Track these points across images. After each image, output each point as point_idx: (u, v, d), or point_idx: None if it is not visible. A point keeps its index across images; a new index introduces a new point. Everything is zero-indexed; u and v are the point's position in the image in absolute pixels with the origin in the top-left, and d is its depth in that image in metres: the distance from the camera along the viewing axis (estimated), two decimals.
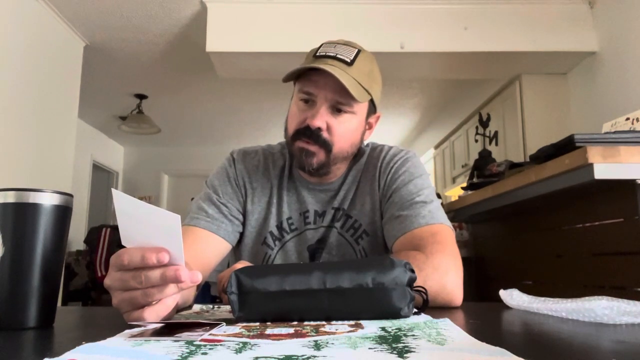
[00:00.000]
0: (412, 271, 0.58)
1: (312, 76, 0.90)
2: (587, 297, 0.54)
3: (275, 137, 5.17)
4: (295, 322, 0.54)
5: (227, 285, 0.57)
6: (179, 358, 0.35)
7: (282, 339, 0.43)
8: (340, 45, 0.92)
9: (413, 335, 0.44)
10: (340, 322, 0.53)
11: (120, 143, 6.56)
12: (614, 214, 1.51)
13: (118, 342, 0.42)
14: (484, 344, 0.39)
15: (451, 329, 0.47)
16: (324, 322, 0.54)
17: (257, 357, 0.35)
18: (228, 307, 0.74)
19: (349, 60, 0.89)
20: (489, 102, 4.07)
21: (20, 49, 2.82)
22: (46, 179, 3.05)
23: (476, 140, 4.25)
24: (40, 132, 3.03)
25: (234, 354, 0.36)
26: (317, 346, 0.39)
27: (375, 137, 1.03)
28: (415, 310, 0.60)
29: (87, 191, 5.55)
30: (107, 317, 0.69)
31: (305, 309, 0.56)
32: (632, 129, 1.72)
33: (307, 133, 0.90)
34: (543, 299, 0.61)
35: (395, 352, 0.36)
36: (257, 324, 0.54)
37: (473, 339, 0.41)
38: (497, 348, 0.36)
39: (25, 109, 2.88)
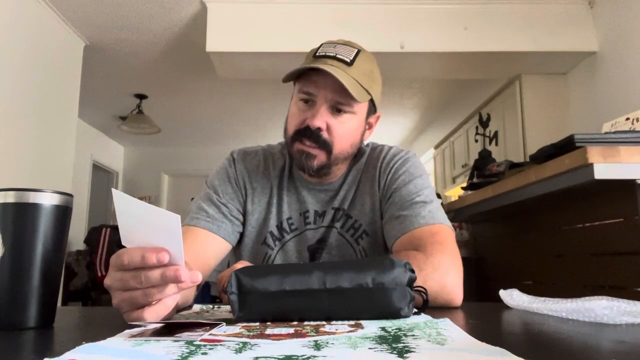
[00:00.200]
0: (412, 271, 0.58)
1: (312, 76, 0.90)
2: (587, 297, 0.54)
3: (275, 137, 5.16)
4: (295, 322, 0.54)
5: (227, 285, 0.57)
6: (179, 358, 0.35)
7: (282, 339, 0.43)
8: (340, 45, 0.92)
9: (413, 335, 0.44)
10: (340, 322, 0.53)
11: (120, 143, 6.57)
12: (614, 214, 1.51)
13: (118, 342, 0.42)
14: (484, 344, 0.39)
15: (451, 329, 0.47)
16: (324, 322, 0.54)
17: (257, 357, 0.35)
18: (228, 307, 0.74)
19: (348, 60, 0.89)
20: (489, 102, 4.07)
21: (20, 49, 2.82)
22: (46, 179, 3.05)
23: (476, 140, 4.25)
24: (40, 132, 3.03)
25: (234, 354, 0.36)
26: (317, 346, 0.39)
27: (375, 137, 1.03)
28: (415, 310, 0.60)
29: (87, 191, 5.55)
30: (107, 317, 0.69)
31: (305, 309, 0.56)
32: (632, 129, 1.72)
33: (307, 133, 0.90)
34: (543, 299, 0.61)
35: (395, 352, 0.36)
36: (257, 324, 0.54)
37: (473, 339, 0.41)
38: (497, 348, 0.36)
39: (25, 109, 2.88)
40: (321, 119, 0.89)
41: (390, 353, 0.36)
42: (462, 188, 2.76)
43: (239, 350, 0.38)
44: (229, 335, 0.45)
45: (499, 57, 3.18)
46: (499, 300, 0.68)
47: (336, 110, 0.90)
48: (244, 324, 0.54)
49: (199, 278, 0.51)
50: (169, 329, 0.49)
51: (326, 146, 0.91)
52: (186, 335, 0.44)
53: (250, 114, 5.29)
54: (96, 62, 3.81)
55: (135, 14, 3.16)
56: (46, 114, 3.10)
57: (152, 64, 3.95)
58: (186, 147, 6.66)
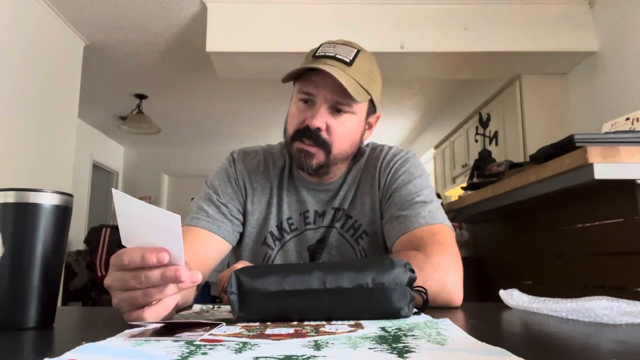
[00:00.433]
0: (412, 271, 0.58)
1: (311, 76, 0.90)
2: (587, 297, 0.54)
3: (275, 137, 5.16)
4: (295, 322, 0.54)
5: (227, 285, 0.57)
6: (179, 358, 0.35)
7: (282, 339, 0.43)
8: (340, 45, 0.92)
9: (413, 335, 0.44)
10: (340, 322, 0.54)
11: (120, 143, 6.57)
12: (614, 214, 1.51)
13: (118, 342, 0.42)
14: (484, 344, 0.39)
15: (451, 329, 0.47)
16: (324, 322, 0.54)
17: (257, 357, 0.35)
18: (228, 307, 0.74)
19: (348, 60, 0.89)
20: (489, 102, 4.07)
21: (20, 49, 2.82)
22: (46, 179, 3.05)
23: (476, 140, 4.25)
24: (40, 132, 3.03)
25: (234, 354, 0.36)
26: (317, 346, 0.39)
27: (375, 137, 1.03)
28: (415, 310, 0.60)
29: (87, 191, 5.55)
30: (107, 317, 0.69)
31: (305, 309, 0.56)
32: (632, 129, 1.72)
33: (307, 133, 0.90)
34: (543, 299, 0.61)
35: (395, 352, 0.36)
36: (257, 324, 0.54)
37: (473, 339, 0.41)
38: (497, 348, 0.36)
39: (25, 109, 2.88)
40: (321, 119, 0.89)
41: (390, 353, 0.36)
42: (462, 188, 2.76)
43: (239, 350, 0.38)
44: (229, 335, 0.45)
45: (499, 57, 3.18)
46: (499, 300, 0.68)
47: (336, 110, 0.90)
48: (244, 324, 0.54)
49: (199, 278, 0.51)
50: (169, 329, 0.49)
51: (325, 146, 0.91)
52: (186, 335, 0.44)
53: (250, 114, 5.29)
54: (96, 62, 3.81)
55: (135, 14, 3.16)
56: (46, 114, 3.10)
57: (152, 64, 3.95)
58: (186, 147, 6.66)
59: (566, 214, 1.79)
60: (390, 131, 5.96)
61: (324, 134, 0.90)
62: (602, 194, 1.56)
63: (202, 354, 0.36)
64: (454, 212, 2.48)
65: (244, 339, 0.43)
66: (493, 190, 2.03)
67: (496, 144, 3.82)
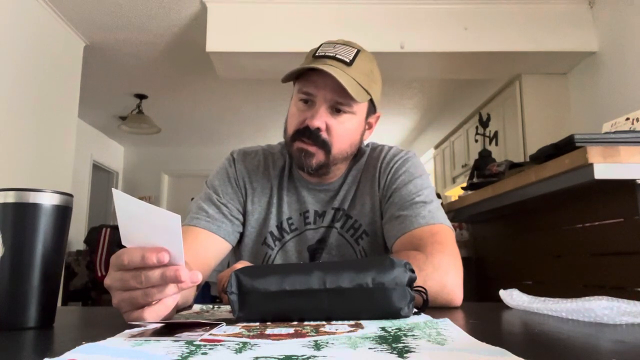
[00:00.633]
0: (412, 271, 0.58)
1: (311, 76, 0.90)
2: (587, 297, 0.54)
3: (275, 137, 5.16)
4: (295, 322, 0.54)
5: (227, 285, 0.57)
6: (179, 358, 0.35)
7: (282, 339, 0.43)
8: (340, 45, 0.92)
9: (413, 335, 0.44)
10: (340, 322, 0.53)
11: (120, 143, 6.57)
12: (614, 214, 1.51)
13: (118, 342, 0.42)
14: (484, 344, 0.39)
15: (451, 329, 0.47)
16: (324, 322, 0.54)
17: (257, 357, 0.35)
18: (228, 307, 0.74)
19: (348, 60, 0.89)
20: (489, 102, 4.07)
21: (20, 49, 2.82)
22: (46, 179, 3.05)
23: (476, 140, 4.25)
24: (40, 132, 3.03)
25: (234, 354, 0.36)
26: (317, 346, 0.39)
27: (375, 137, 1.03)
28: (415, 310, 0.60)
29: (87, 191, 5.55)
30: (107, 317, 0.69)
31: (305, 309, 0.56)
32: (632, 129, 1.71)
33: (307, 133, 0.90)
34: (543, 299, 0.61)
35: (395, 352, 0.36)
36: (257, 324, 0.54)
37: (473, 339, 0.41)
38: (497, 348, 0.36)
39: (25, 109, 2.88)
40: (320, 119, 0.89)
41: (390, 353, 0.36)
42: (462, 188, 2.76)
43: (239, 350, 0.38)
44: (229, 335, 0.45)
45: (499, 57, 3.18)
46: (499, 300, 0.68)
47: (336, 110, 0.90)
48: (244, 324, 0.54)
49: (199, 278, 0.51)
50: (169, 329, 0.49)
51: (325, 146, 0.91)
52: (186, 335, 0.44)
53: (251, 114, 5.29)
54: (96, 62, 3.81)
55: (135, 14, 3.16)
56: (46, 114, 3.10)
57: (152, 64, 3.95)
58: (186, 147, 6.66)
59: (566, 214, 1.79)
60: (390, 131, 5.97)
61: (323, 134, 0.90)
62: (602, 194, 1.56)
63: (202, 354, 0.36)
64: (454, 212, 2.48)
65: (244, 339, 0.43)
66: (493, 190, 2.03)
67: (496, 144, 3.82)
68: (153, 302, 0.52)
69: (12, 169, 2.75)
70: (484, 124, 3.69)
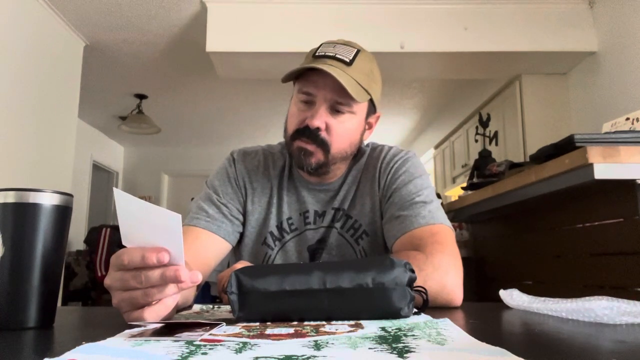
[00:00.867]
0: (412, 271, 0.58)
1: (311, 76, 0.90)
2: (587, 297, 0.54)
3: (275, 137, 5.16)
4: (295, 322, 0.54)
5: (227, 285, 0.57)
6: (179, 358, 0.35)
7: (282, 339, 0.43)
8: (340, 45, 0.92)
9: (413, 335, 0.44)
10: (340, 322, 0.53)
11: (120, 143, 6.57)
12: (614, 214, 1.51)
13: (118, 342, 0.42)
14: (484, 344, 0.39)
15: (451, 329, 0.47)
16: (324, 322, 0.54)
17: (257, 357, 0.35)
18: (228, 307, 0.74)
19: (348, 60, 0.89)
20: (489, 102, 4.07)
21: (20, 49, 2.82)
22: (46, 179, 3.05)
23: (476, 140, 4.25)
24: (40, 132, 3.03)
25: (234, 354, 0.36)
26: (317, 346, 0.39)
27: (375, 137, 1.03)
28: (415, 310, 0.60)
29: (87, 191, 5.55)
30: (107, 317, 0.69)
31: (305, 309, 0.56)
32: (632, 129, 1.71)
33: (307, 133, 0.90)
34: (543, 299, 0.61)
35: (395, 352, 0.36)
36: (257, 324, 0.54)
37: (473, 339, 0.41)
38: (497, 348, 0.36)
39: (25, 109, 2.88)
40: (320, 119, 0.89)
41: (390, 353, 0.36)
42: (462, 188, 2.76)
43: (239, 350, 0.38)
44: (229, 335, 0.45)
45: (499, 57, 3.18)
46: (499, 300, 0.68)
47: (335, 110, 0.90)
48: (244, 324, 0.54)
49: (199, 278, 0.51)
50: (169, 329, 0.49)
51: (324, 145, 0.91)
52: (186, 335, 0.44)
53: (250, 114, 5.29)
54: (96, 62, 3.81)
55: (135, 14, 3.16)
56: (46, 114, 3.10)
57: (152, 64, 3.95)
58: (186, 147, 6.66)
59: (566, 214, 1.79)
60: (390, 131, 5.97)
61: (323, 134, 0.90)
62: (602, 194, 1.56)
63: (202, 354, 0.36)
64: (454, 212, 2.48)
65: (244, 339, 0.43)
66: (493, 190, 2.03)
67: (496, 144, 3.82)
68: (153, 302, 0.52)
69: (12, 169, 2.75)
70: (484, 124, 3.69)
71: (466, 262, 1.32)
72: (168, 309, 0.53)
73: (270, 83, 4.05)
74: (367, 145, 1.06)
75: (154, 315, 0.52)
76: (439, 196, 2.29)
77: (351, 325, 0.51)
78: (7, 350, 0.42)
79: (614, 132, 1.57)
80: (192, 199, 1.11)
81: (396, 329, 0.48)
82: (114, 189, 0.52)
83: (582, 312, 0.53)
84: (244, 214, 1.00)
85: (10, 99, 2.74)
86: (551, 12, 3.07)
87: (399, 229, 0.88)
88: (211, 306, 0.80)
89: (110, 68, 4.02)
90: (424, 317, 0.57)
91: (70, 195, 0.59)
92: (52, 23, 3.12)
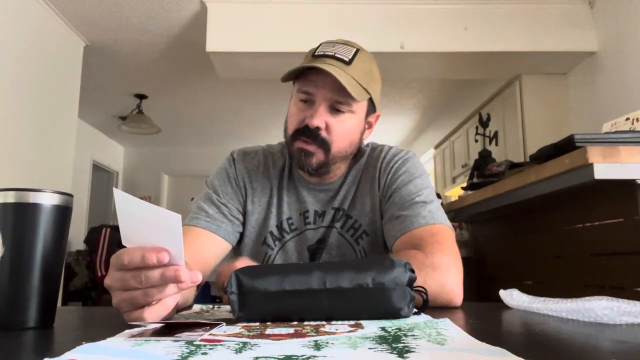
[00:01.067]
0: (412, 271, 0.58)
1: (310, 76, 0.90)
2: (587, 297, 0.54)
3: (275, 137, 5.15)
4: (295, 322, 0.54)
5: (227, 286, 0.57)
6: (179, 358, 0.35)
7: (282, 339, 0.43)
8: (339, 45, 0.92)
9: (413, 335, 0.44)
10: (340, 322, 0.53)
11: (120, 143, 6.57)
12: (614, 214, 1.51)
13: (118, 342, 0.42)
14: (484, 344, 0.39)
15: (451, 329, 0.47)
16: (324, 322, 0.54)
17: (257, 357, 0.35)
18: (228, 307, 0.74)
19: (347, 60, 0.89)
20: (489, 102, 4.07)
21: (20, 49, 2.82)
22: (46, 179, 3.05)
23: (476, 140, 4.25)
24: (40, 132, 3.03)
25: (234, 354, 0.36)
26: (317, 346, 0.39)
27: (375, 137, 1.02)
28: (415, 310, 0.60)
29: (87, 191, 5.55)
30: (107, 317, 0.69)
31: (305, 309, 0.56)
32: (632, 129, 1.71)
33: (306, 132, 0.90)
34: (543, 299, 0.61)
35: (395, 352, 0.36)
36: (257, 324, 0.54)
37: (473, 339, 0.41)
38: (497, 348, 0.36)
39: (25, 109, 2.88)
40: (320, 119, 0.89)
41: (390, 353, 0.36)
42: (462, 188, 2.76)
43: (239, 350, 0.38)
44: (229, 335, 0.45)
45: (499, 57, 3.18)
46: (499, 300, 0.68)
47: (335, 109, 0.90)
48: (244, 324, 0.54)
49: (199, 278, 0.51)
50: (169, 329, 0.49)
51: (324, 145, 0.91)
52: (186, 335, 0.44)
53: (251, 114, 5.29)
54: (96, 62, 3.81)
55: (135, 14, 3.16)
56: (46, 114, 3.10)
57: (152, 64, 3.95)
58: (186, 147, 6.66)
59: (566, 214, 1.79)
60: (390, 131, 5.97)
61: (323, 133, 0.90)
62: (602, 194, 1.56)
63: (202, 354, 0.36)
64: (454, 212, 2.48)
65: (244, 339, 0.43)
66: (493, 190, 2.03)
67: (496, 144, 3.82)
68: (153, 302, 0.52)
69: (12, 169, 2.75)
70: (484, 124, 3.69)
71: (466, 262, 1.32)
72: (168, 309, 0.53)
73: (271, 83, 4.05)
74: (367, 145, 1.06)
75: (154, 315, 0.51)
76: (439, 196, 2.29)
77: (351, 325, 0.51)
78: (7, 350, 0.42)
79: (614, 132, 1.57)
80: (192, 199, 1.11)
81: (396, 329, 0.48)
82: (114, 189, 0.52)
83: (582, 312, 0.53)
84: (244, 214, 1.00)
85: (10, 99, 2.74)
86: (551, 12, 3.07)
87: (399, 228, 0.88)
88: (211, 306, 0.80)
89: (110, 68, 4.02)
90: (424, 317, 0.57)
91: (70, 195, 0.59)
92: (52, 23, 3.12)
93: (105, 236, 4.80)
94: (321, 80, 0.88)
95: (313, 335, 0.45)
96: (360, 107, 0.93)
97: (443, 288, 0.75)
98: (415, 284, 0.59)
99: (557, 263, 1.85)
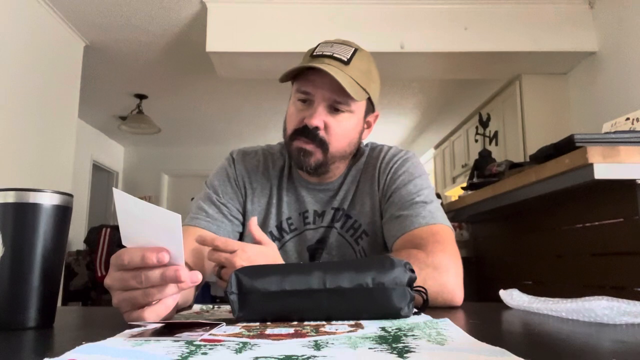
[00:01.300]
0: (412, 271, 0.58)
1: (309, 76, 0.90)
2: (587, 297, 0.54)
3: (275, 137, 5.15)
4: (295, 322, 0.54)
5: (227, 286, 0.57)
6: (179, 358, 0.35)
7: (282, 339, 0.43)
8: (337, 45, 0.92)
9: (413, 335, 0.44)
10: (340, 322, 0.53)
11: (120, 143, 6.56)
12: (614, 214, 1.51)
13: (118, 342, 0.42)
14: (484, 344, 0.39)
15: (451, 329, 0.47)
16: (324, 322, 0.54)
17: (257, 357, 0.35)
18: (228, 307, 0.74)
19: (345, 59, 0.89)
20: (489, 102, 4.07)
21: (20, 49, 2.82)
22: (46, 179, 3.05)
23: (476, 140, 4.25)
24: (40, 132, 3.03)
25: (234, 354, 0.36)
26: (317, 346, 0.39)
27: (375, 137, 1.03)
28: (415, 310, 0.60)
29: (87, 191, 5.55)
30: (107, 317, 0.69)
31: (305, 309, 0.56)
32: (632, 129, 1.72)
33: (305, 132, 0.90)
34: (543, 299, 0.61)
35: (395, 352, 0.36)
36: (257, 324, 0.54)
37: (473, 339, 0.41)
38: (497, 348, 0.36)
39: (25, 109, 2.88)
40: (319, 118, 0.89)
41: (390, 353, 0.36)
42: (462, 188, 2.76)
43: (239, 350, 0.38)
44: (229, 335, 0.45)
45: (499, 57, 3.18)
46: (499, 300, 0.68)
47: (334, 109, 0.91)
48: (244, 324, 0.54)
49: (199, 278, 0.51)
50: (169, 329, 0.49)
51: (323, 145, 0.91)
52: (186, 335, 0.44)
53: (251, 114, 5.29)
54: (96, 62, 3.81)
55: (135, 14, 3.16)
56: (46, 114, 3.10)
57: (152, 64, 3.95)
58: (186, 147, 6.66)
59: (566, 214, 1.79)
60: (390, 131, 5.96)
61: (322, 133, 0.90)
62: (602, 194, 1.56)
63: (202, 354, 0.36)
64: (454, 212, 2.48)
65: (244, 339, 0.43)
66: (493, 190, 2.03)
67: (496, 144, 3.82)
68: (153, 302, 0.52)
69: (13, 169, 2.75)
70: (484, 124, 3.69)
71: (466, 262, 1.32)
72: (168, 309, 0.53)
73: (271, 83, 4.05)
74: (367, 145, 1.06)
75: (154, 315, 0.52)
76: (438, 196, 2.29)
77: (351, 325, 0.51)
78: (7, 350, 0.42)
79: (614, 132, 1.58)
80: (192, 199, 1.11)
81: (396, 329, 0.48)
82: (114, 189, 0.52)
83: (582, 312, 0.53)
84: (244, 214, 1.00)
85: (10, 99, 2.74)
86: (551, 12, 3.07)
87: (399, 228, 0.88)
88: (211, 306, 0.80)
89: (110, 68, 4.01)
90: (424, 317, 0.57)
91: (70, 195, 0.59)
92: (52, 23, 3.12)
93: (105, 236, 4.80)
94: (319, 80, 0.88)
95: (313, 335, 0.45)
96: (359, 106, 0.93)
97: (443, 288, 0.75)
98: (415, 284, 0.59)
99: (557, 263, 1.85)
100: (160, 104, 4.90)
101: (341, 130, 0.92)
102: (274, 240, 0.99)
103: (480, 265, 2.58)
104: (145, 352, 0.38)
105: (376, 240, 0.97)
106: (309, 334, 0.46)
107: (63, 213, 0.57)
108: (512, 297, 0.66)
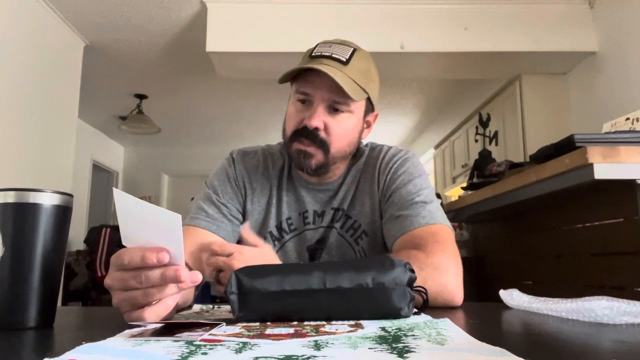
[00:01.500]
0: (412, 271, 0.58)
1: (308, 76, 0.90)
2: (587, 297, 0.54)
3: (275, 137, 5.14)
4: (295, 322, 0.54)
5: (227, 286, 0.57)
6: (179, 358, 0.35)
7: (282, 339, 0.43)
8: (336, 45, 0.92)
9: (413, 335, 0.44)
10: (340, 322, 0.53)
11: (120, 143, 6.56)
12: (614, 214, 1.51)
13: (118, 342, 0.42)
14: (484, 344, 0.39)
15: (451, 329, 0.47)
16: (324, 322, 0.54)
17: (257, 357, 0.35)
18: (228, 307, 0.74)
19: (344, 60, 0.89)
20: (489, 102, 4.07)
21: (20, 49, 2.82)
22: (46, 179, 3.05)
23: (476, 140, 4.25)
24: (40, 132, 3.03)
25: (234, 354, 0.36)
26: (317, 346, 0.39)
27: (375, 137, 1.03)
28: (415, 310, 0.60)
29: (87, 191, 5.55)
30: (107, 317, 0.69)
31: (305, 308, 0.56)
32: (632, 129, 1.72)
33: (305, 133, 0.90)
34: (543, 299, 0.61)
35: (395, 352, 0.36)
36: (257, 324, 0.54)
37: (473, 339, 0.41)
38: (497, 348, 0.36)
39: (25, 109, 2.88)
40: (318, 119, 0.89)
41: (390, 353, 0.36)
42: (462, 188, 2.76)
43: (239, 350, 0.38)
44: (229, 335, 0.45)
45: (499, 57, 3.18)
46: (499, 300, 0.68)
47: (333, 109, 0.91)
48: (244, 324, 0.54)
49: (199, 278, 0.51)
50: (169, 329, 0.49)
51: (323, 145, 0.91)
52: (186, 335, 0.44)
53: (251, 114, 5.29)
54: (96, 62, 3.81)
55: (135, 14, 3.16)
56: (46, 114, 3.09)
57: (152, 64, 3.95)
58: (186, 147, 6.66)
59: (566, 214, 1.79)
60: (390, 131, 5.96)
61: (322, 134, 0.90)
62: (602, 194, 1.56)
63: (202, 354, 0.36)
64: (454, 212, 2.48)
65: (244, 339, 0.43)
66: (493, 190, 2.03)
67: (496, 144, 3.82)
68: (153, 302, 0.52)
69: (13, 169, 2.75)
70: (484, 124, 3.69)
71: (466, 262, 1.32)
72: (168, 309, 0.53)
73: (271, 83, 4.02)
74: (366, 145, 1.06)
75: (154, 315, 0.52)
76: (438, 196, 2.29)
77: (351, 325, 0.51)
78: (7, 350, 0.42)
79: (614, 132, 1.58)
80: (192, 199, 1.11)
81: (396, 329, 0.48)
82: (114, 189, 0.52)
83: (582, 312, 0.53)
84: (244, 214, 1.00)
85: (10, 99, 2.74)
86: (551, 12, 3.07)
87: (399, 228, 0.88)
88: (211, 306, 0.80)
89: (110, 68, 4.01)
90: (424, 317, 0.57)
91: (70, 195, 0.59)
92: (52, 23, 3.12)
93: (105, 236, 4.80)
94: (318, 80, 0.88)
95: (313, 335, 0.45)
96: (358, 106, 0.93)
97: (443, 288, 0.75)
98: (415, 284, 0.59)
99: (557, 263, 1.85)
100: (160, 104, 4.90)
101: (341, 131, 0.92)
102: (273, 241, 0.99)
103: (480, 265, 2.58)
104: (145, 352, 0.38)
105: (376, 240, 0.97)
106: (309, 334, 0.46)
107: (63, 213, 0.57)
108: (512, 297, 0.66)
